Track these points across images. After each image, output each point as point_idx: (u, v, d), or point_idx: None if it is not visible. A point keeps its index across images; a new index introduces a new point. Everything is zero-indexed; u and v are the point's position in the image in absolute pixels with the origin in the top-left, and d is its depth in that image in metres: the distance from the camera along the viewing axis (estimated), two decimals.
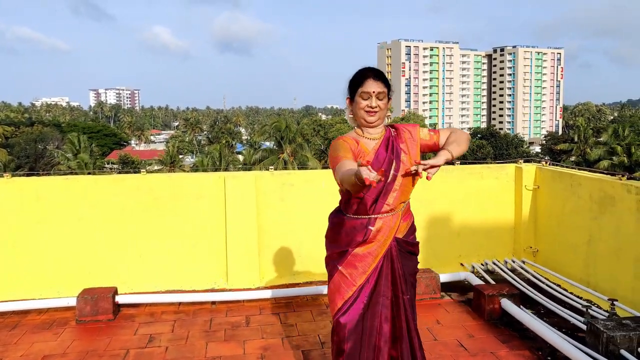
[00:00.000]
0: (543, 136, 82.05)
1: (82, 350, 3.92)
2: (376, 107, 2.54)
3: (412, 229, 2.74)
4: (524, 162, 5.83)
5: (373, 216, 2.59)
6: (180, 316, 4.54)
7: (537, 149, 75.85)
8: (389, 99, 2.61)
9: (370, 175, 2.03)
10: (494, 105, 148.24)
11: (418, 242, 2.77)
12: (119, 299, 4.63)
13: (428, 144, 2.67)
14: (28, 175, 5.35)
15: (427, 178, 2.40)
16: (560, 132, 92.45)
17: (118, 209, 5.07)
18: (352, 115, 2.66)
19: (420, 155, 2.66)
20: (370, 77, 2.54)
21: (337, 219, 2.70)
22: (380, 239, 2.59)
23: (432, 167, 2.41)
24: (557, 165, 5.93)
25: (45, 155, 61.23)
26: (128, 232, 5.08)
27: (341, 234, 2.64)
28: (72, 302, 4.58)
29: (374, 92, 2.53)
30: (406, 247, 2.67)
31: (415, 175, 2.55)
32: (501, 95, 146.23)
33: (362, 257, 2.59)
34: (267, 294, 4.88)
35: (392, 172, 2.57)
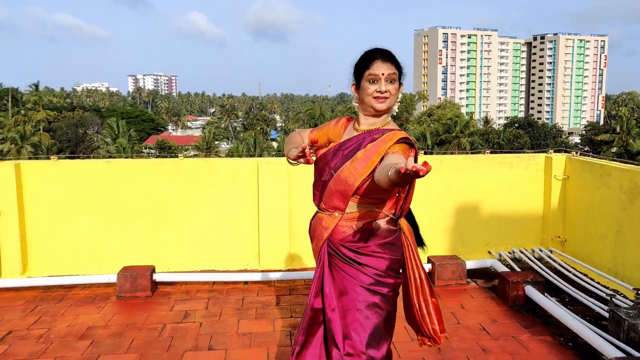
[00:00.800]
0: (583, 126, 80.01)
1: (122, 323, 4.17)
2: (386, 91, 2.22)
3: (368, 233, 2.30)
4: (554, 152, 5.84)
5: (316, 210, 2.47)
6: (213, 294, 4.76)
7: (577, 139, 74.10)
8: (401, 84, 2.29)
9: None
10: (533, 95, 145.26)
11: (378, 251, 2.31)
12: (157, 277, 4.88)
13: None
14: (70, 158, 5.63)
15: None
16: (601, 123, 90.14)
17: (156, 192, 5.31)
18: (357, 103, 2.35)
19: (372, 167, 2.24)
20: (379, 57, 2.23)
21: None
22: (315, 238, 2.43)
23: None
24: (595, 156, 5.93)
25: (85, 140, 62.82)
26: (165, 214, 5.33)
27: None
28: (113, 278, 4.84)
29: (383, 74, 2.21)
30: (345, 251, 2.30)
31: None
32: (540, 84, 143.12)
33: (314, 252, 2.49)
34: (297, 275, 5.06)
35: (331, 171, 2.33)
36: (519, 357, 3.55)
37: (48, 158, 5.38)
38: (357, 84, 2.31)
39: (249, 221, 5.36)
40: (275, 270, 5.19)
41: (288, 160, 2.37)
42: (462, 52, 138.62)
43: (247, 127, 79.35)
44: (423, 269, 2.45)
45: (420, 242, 2.59)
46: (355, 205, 2.30)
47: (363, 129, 2.33)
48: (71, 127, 64.71)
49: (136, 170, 5.39)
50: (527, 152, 6.09)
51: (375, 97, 2.24)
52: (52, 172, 5.29)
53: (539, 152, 5.96)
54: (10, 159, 5.37)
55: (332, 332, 2.27)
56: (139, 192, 5.30)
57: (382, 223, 2.33)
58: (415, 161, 2.22)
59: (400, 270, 2.45)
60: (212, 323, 4.16)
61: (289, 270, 5.26)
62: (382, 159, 2.19)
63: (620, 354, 3.27)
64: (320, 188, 2.39)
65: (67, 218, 5.29)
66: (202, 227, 5.35)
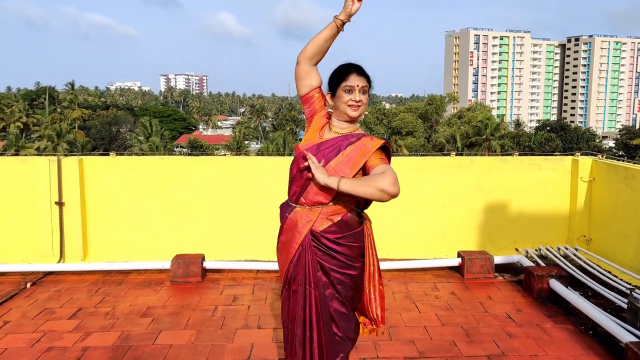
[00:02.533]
0: (618, 130, 78.60)
1: (178, 304, 4.61)
2: (360, 100, 2.54)
3: (343, 228, 2.58)
4: (581, 154, 6.10)
5: (293, 205, 2.64)
6: (258, 281, 5.17)
7: (611, 143, 72.88)
8: (369, 95, 2.63)
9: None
10: (566, 97, 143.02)
11: (355, 247, 2.60)
12: (206, 265, 5.31)
13: (367, 167, 2.52)
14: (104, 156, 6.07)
15: (302, 165, 2.51)
16: (637, 127, 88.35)
17: (206, 187, 5.75)
18: (332, 110, 2.64)
19: (358, 168, 2.53)
20: (354, 71, 2.54)
21: (284, 203, 2.77)
22: (294, 231, 2.61)
23: (312, 170, 2.47)
24: (631, 160, 6.17)
25: (118, 138, 64.28)
26: (214, 207, 5.76)
27: (280, 217, 2.75)
28: (167, 265, 5.30)
29: (357, 85, 2.53)
30: (326, 241, 2.56)
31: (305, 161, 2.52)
32: (574, 87, 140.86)
33: (281, 246, 2.69)
34: None
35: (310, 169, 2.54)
36: (542, 342, 3.87)
37: (107, 154, 5.87)
38: (333, 93, 2.60)
39: None
40: None
41: (337, 20, 2.57)
42: (493, 53, 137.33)
43: (276, 127, 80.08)
44: (377, 257, 2.71)
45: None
46: (334, 200, 2.57)
47: (337, 132, 2.61)
48: (105, 125, 66.33)
49: (187, 166, 5.84)
50: (556, 155, 6.35)
51: (350, 105, 2.54)
52: (111, 167, 5.78)
53: (566, 154, 6.22)
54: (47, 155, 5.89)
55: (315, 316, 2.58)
56: (189, 187, 5.75)
57: (353, 215, 2.62)
58: (389, 161, 2.56)
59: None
60: (259, 306, 4.57)
61: None
62: (364, 163, 2.53)
63: (635, 339, 3.56)
64: (301, 185, 2.58)
65: (124, 209, 5.77)
66: (247, 219, 5.76)
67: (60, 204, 5.58)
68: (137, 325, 4.18)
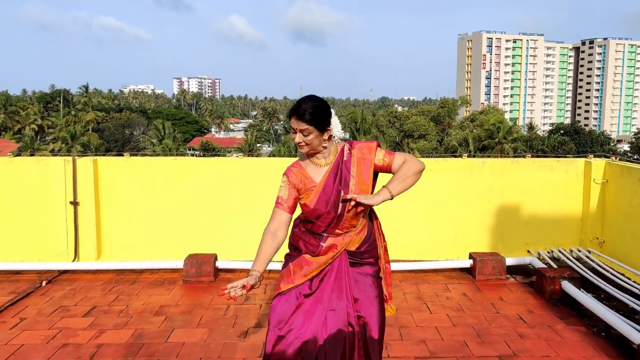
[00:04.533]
0: (633, 133, 77.79)
1: (190, 303, 4.66)
2: (301, 142, 2.63)
3: (367, 238, 2.78)
4: (594, 157, 6.07)
5: (325, 235, 2.73)
6: (270, 281, 5.20)
7: (626, 146, 72.11)
8: (325, 130, 2.64)
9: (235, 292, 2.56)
10: (580, 101, 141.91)
11: (374, 248, 2.82)
12: (219, 264, 5.35)
13: (382, 166, 2.70)
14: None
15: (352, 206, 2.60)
16: None
17: (218, 187, 5.80)
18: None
19: (373, 175, 2.71)
20: (294, 116, 2.61)
21: (297, 229, 2.87)
22: (330, 254, 2.73)
23: (364, 204, 2.57)
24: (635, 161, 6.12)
25: (132, 140, 64.77)
26: (226, 207, 5.81)
27: (299, 243, 2.82)
28: (179, 265, 5.35)
29: (297, 129, 2.62)
30: (358, 257, 2.76)
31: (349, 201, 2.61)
32: (588, 90, 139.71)
33: (308, 262, 2.75)
34: None
35: (340, 204, 2.66)
36: (554, 343, 3.86)
37: (121, 155, 5.93)
38: None
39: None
40: None
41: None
42: (506, 56, 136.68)
43: (288, 130, 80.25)
44: (384, 238, 2.93)
45: None
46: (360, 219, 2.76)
47: (322, 163, 2.72)
48: (119, 127, 66.86)
49: (201, 166, 5.89)
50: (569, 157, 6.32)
51: (297, 143, 2.66)
52: (125, 167, 5.85)
53: (579, 157, 6.20)
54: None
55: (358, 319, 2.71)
56: (202, 187, 5.80)
57: (368, 224, 2.82)
58: (388, 150, 2.73)
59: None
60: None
61: None
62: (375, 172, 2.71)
63: None
64: (333, 221, 2.68)
65: (137, 209, 5.83)
66: (260, 219, 5.73)
67: (75, 203, 5.65)
68: (150, 324, 4.23)
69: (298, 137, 2.64)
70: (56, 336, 4.00)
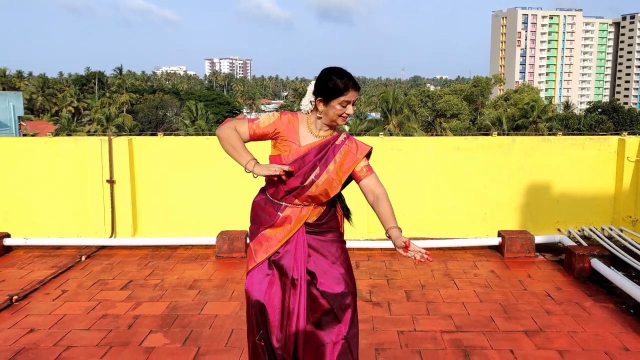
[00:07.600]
0: None
1: (223, 278, 4.81)
2: (351, 113, 2.63)
3: (327, 212, 2.81)
4: (628, 134, 5.96)
5: (283, 204, 2.73)
6: None
7: None
8: None
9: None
10: (619, 78, 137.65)
11: (334, 219, 2.87)
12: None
13: (356, 172, 2.70)
14: None
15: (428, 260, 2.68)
16: None
17: None
18: (315, 111, 2.67)
19: (349, 174, 2.70)
20: (352, 88, 2.57)
21: (258, 198, 2.88)
22: (287, 227, 2.73)
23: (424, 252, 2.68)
24: None
25: (165, 121, 65.64)
26: (258, 186, 5.90)
27: (258, 214, 2.83)
28: (212, 241, 5.50)
29: (352, 100, 2.59)
30: (317, 227, 2.78)
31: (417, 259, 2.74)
32: (628, 67, 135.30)
33: (267, 238, 2.76)
34: (375, 244, 5.54)
35: (311, 177, 2.64)
36: (581, 320, 3.87)
37: (155, 134, 6.09)
38: (325, 101, 2.59)
39: None
40: (354, 240, 5.68)
41: (246, 170, 2.73)
42: (542, 33, 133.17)
43: None
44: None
45: (347, 215, 3.11)
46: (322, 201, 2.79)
47: (317, 135, 2.68)
48: (152, 109, 67.82)
49: None
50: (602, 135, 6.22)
51: (341, 116, 2.61)
52: (159, 147, 6.01)
53: (613, 134, 6.10)
54: None
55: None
56: (234, 166, 5.88)
57: (329, 203, 2.82)
58: (368, 158, 2.73)
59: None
60: None
61: (367, 239, 5.74)
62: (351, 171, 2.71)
63: None
64: (296, 189, 2.67)
65: (171, 187, 6.00)
66: None
67: (111, 181, 5.84)
68: (185, 297, 4.39)
69: (351, 109, 2.61)
70: (96, 307, 4.19)
